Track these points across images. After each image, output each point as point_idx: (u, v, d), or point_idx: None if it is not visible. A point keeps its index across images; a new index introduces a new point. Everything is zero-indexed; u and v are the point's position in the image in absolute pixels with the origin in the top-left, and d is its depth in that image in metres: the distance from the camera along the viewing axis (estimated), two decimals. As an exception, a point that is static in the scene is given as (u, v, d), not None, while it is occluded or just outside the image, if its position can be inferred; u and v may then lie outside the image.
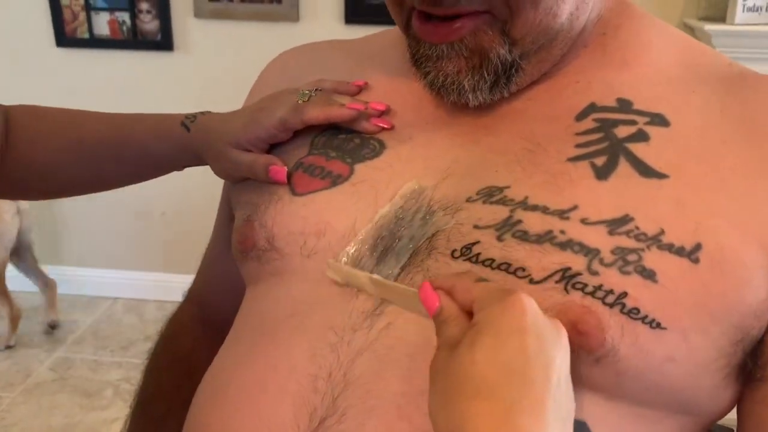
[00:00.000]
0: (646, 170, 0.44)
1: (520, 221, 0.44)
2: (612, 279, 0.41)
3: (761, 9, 1.66)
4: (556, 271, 0.41)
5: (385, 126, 0.53)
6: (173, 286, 2.23)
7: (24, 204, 1.98)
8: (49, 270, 2.30)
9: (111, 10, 1.98)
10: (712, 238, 0.42)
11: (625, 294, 0.40)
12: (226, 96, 2.03)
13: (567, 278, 0.41)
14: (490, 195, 0.46)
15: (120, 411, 1.76)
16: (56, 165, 0.62)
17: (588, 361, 0.40)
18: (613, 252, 0.41)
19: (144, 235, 2.24)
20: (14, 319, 2.02)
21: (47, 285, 2.12)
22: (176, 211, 2.19)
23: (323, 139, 0.54)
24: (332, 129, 0.54)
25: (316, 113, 0.53)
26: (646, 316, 0.40)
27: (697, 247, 0.41)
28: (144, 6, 1.97)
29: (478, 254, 0.44)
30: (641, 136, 0.46)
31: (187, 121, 0.59)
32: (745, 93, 0.47)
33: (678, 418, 0.45)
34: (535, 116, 0.49)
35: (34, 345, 2.03)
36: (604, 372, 0.41)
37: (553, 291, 0.41)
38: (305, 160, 0.53)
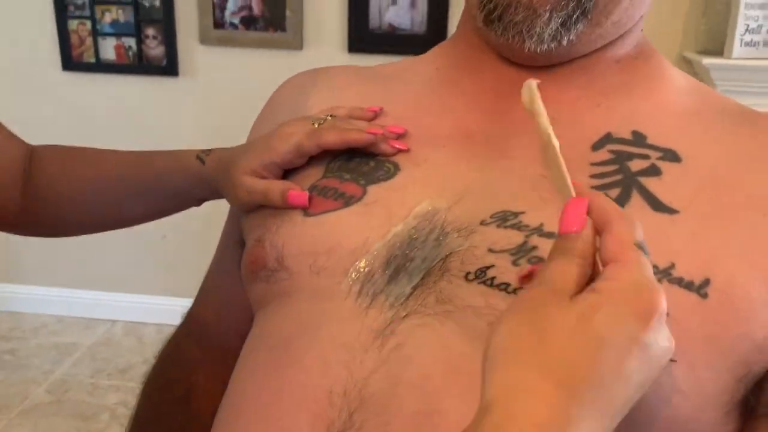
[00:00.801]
0: (657, 205, 0.45)
1: (535, 247, 0.44)
2: None
3: (759, 44, 1.68)
4: None
5: (403, 148, 0.53)
6: (173, 310, 2.23)
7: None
8: (48, 291, 2.31)
9: (118, 35, 2.01)
10: (721, 273, 0.42)
11: None
12: (230, 121, 2.06)
13: None
14: (505, 219, 0.46)
15: (116, 435, 1.75)
16: (79, 202, 0.64)
17: None
18: None
19: (144, 257, 2.24)
20: None
21: None
22: (177, 234, 2.20)
23: (338, 163, 0.54)
24: (347, 153, 0.55)
25: (333, 138, 0.53)
26: None
27: (706, 282, 0.42)
28: (150, 32, 2.00)
29: (493, 278, 0.44)
30: (654, 171, 0.47)
31: (202, 155, 0.61)
32: (754, 131, 0.49)
33: None
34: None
35: (32, 366, 2.02)
36: None
37: None
38: (319, 183, 0.53)
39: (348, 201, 0.51)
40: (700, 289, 0.42)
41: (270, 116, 0.63)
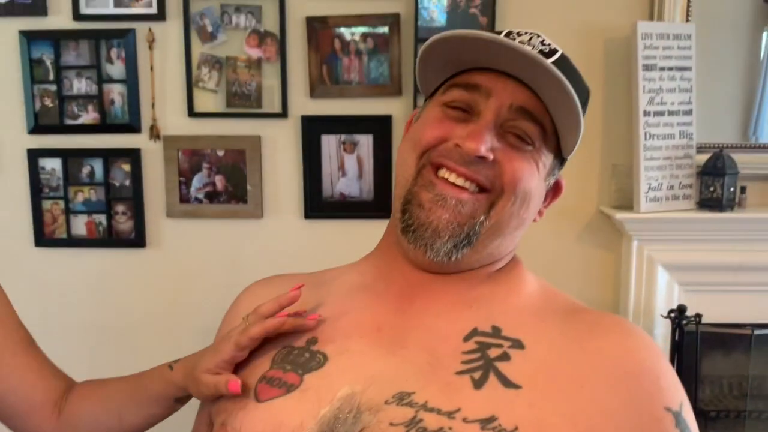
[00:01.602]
0: (507, 382, 0.62)
1: (422, 420, 0.60)
2: None
3: (661, 199, 1.94)
4: None
5: (315, 319, 0.70)
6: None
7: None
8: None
9: (89, 212, 2.18)
10: (553, 430, 0.58)
11: None
12: (196, 288, 2.21)
13: None
14: (401, 398, 0.62)
15: None
16: (94, 417, 0.82)
17: None
18: None
19: None
20: None
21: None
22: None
23: (281, 355, 0.70)
24: (287, 347, 0.70)
25: (257, 330, 0.69)
26: None
27: None
28: (120, 208, 2.17)
29: None
30: (505, 357, 0.64)
31: (173, 363, 0.79)
32: (576, 323, 0.67)
33: None
34: (437, 333, 0.67)
35: None
36: None
37: None
38: (267, 374, 0.69)
39: (289, 389, 0.66)
40: None
41: (234, 318, 0.80)
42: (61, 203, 2.17)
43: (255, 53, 2.06)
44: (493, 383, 0.62)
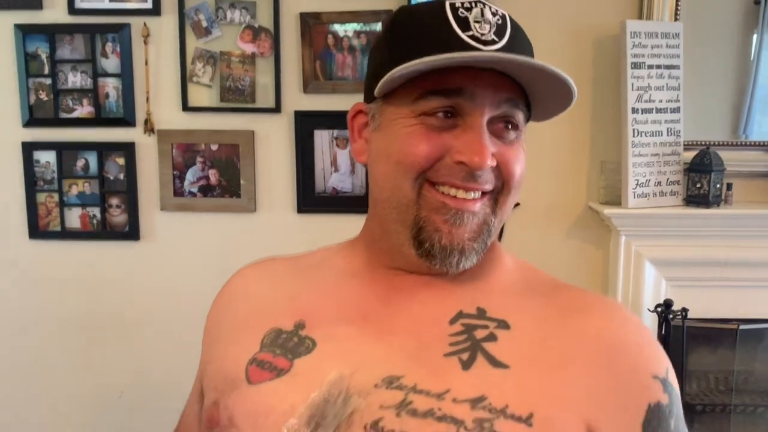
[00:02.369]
0: (495, 362, 0.63)
1: (411, 401, 0.61)
2: None
3: (648, 195, 1.97)
4: None
5: None
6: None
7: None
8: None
9: (83, 205, 2.19)
10: (541, 409, 0.60)
11: None
12: (189, 280, 2.22)
13: None
14: (391, 382, 0.63)
15: None
16: None
17: None
18: (473, 421, 0.59)
19: (101, 418, 2.27)
20: None
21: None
22: (134, 392, 2.26)
23: (270, 338, 0.72)
24: (275, 330, 0.72)
25: None
26: None
27: (531, 415, 0.60)
28: (114, 201, 2.19)
29: (383, 427, 0.61)
30: (492, 337, 0.66)
31: None
32: (559, 301, 0.69)
33: None
34: (423, 319, 0.68)
35: None
36: None
37: None
38: (258, 356, 0.70)
39: (279, 373, 0.68)
40: (527, 420, 0.60)
41: (228, 304, 0.81)
42: (56, 196, 2.18)
43: (249, 48, 2.08)
44: (481, 364, 0.63)
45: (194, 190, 2.16)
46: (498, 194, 0.68)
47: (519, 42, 0.66)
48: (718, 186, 1.97)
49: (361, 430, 0.61)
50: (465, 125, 0.65)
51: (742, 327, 2.07)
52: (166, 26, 2.10)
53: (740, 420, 2.15)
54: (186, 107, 2.12)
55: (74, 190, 2.18)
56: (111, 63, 2.12)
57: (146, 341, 2.24)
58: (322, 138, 2.10)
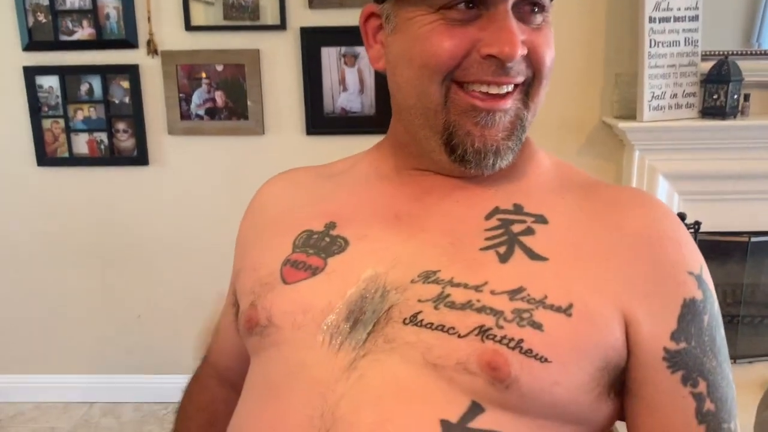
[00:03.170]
0: (533, 255, 0.63)
1: (449, 295, 0.61)
2: (513, 330, 0.58)
3: (664, 108, 1.93)
4: (475, 328, 0.59)
5: None
6: (150, 387, 2.32)
7: None
8: (22, 378, 2.36)
9: (90, 131, 2.17)
10: (580, 299, 0.60)
11: (522, 340, 0.58)
12: (199, 205, 2.23)
13: (483, 332, 0.59)
14: (427, 277, 0.63)
15: None
16: None
17: (500, 388, 0.57)
18: (512, 312, 0.59)
19: (120, 338, 2.33)
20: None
21: None
22: (151, 314, 2.30)
23: (301, 239, 0.71)
24: (307, 232, 0.72)
25: None
26: (537, 354, 0.58)
27: (570, 305, 0.60)
28: (121, 126, 2.16)
29: (422, 320, 0.61)
30: (529, 231, 0.65)
31: None
32: (595, 197, 0.68)
33: (571, 426, 0.61)
34: (457, 216, 0.68)
35: (12, 454, 2.07)
36: (512, 395, 0.57)
37: (474, 341, 0.58)
38: (291, 257, 0.70)
39: (314, 271, 0.68)
40: (566, 311, 0.59)
41: (258, 212, 0.80)
42: (61, 122, 2.16)
43: (251, -37, 2.00)
44: (519, 256, 0.63)
45: (201, 113, 2.13)
46: (529, 86, 0.66)
47: None
48: (735, 97, 1.92)
49: (400, 324, 0.61)
50: (489, 14, 0.62)
51: (753, 239, 2.08)
52: (163, -59, 2.02)
53: (747, 331, 2.19)
54: (189, 26, 2.06)
55: (80, 116, 2.16)
56: (109, -19, 2.04)
57: (160, 265, 2.26)
58: (329, 56, 2.05)
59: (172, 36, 2.08)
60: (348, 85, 2.08)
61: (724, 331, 0.65)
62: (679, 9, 1.90)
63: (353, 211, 0.71)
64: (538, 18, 0.64)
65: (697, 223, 1.94)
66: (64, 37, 2.09)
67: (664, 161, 1.97)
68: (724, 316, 0.66)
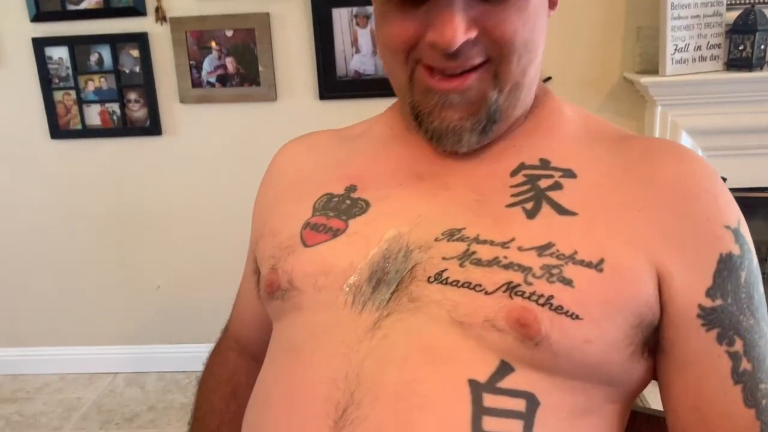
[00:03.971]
0: (561, 210, 0.60)
1: (475, 252, 0.59)
2: (542, 287, 0.56)
3: (687, 61, 1.87)
4: (503, 284, 0.56)
5: None
6: (172, 357, 2.34)
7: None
8: (48, 351, 2.39)
9: (101, 101, 2.15)
10: (612, 254, 0.57)
11: (552, 297, 0.55)
12: (213, 173, 2.21)
13: (511, 288, 0.56)
14: (452, 235, 0.61)
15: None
16: None
17: (530, 345, 0.55)
18: (541, 268, 0.56)
19: (141, 309, 2.34)
20: None
21: None
22: (171, 284, 2.31)
23: (321, 202, 0.69)
24: (327, 195, 0.69)
25: None
26: (568, 311, 0.55)
27: (601, 260, 0.57)
28: (132, 96, 2.14)
29: (447, 278, 0.58)
30: (557, 186, 0.62)
31: None
32: (626, 149, 0.64)
33: (603, 388, 0.59)
34: (481, 174, 0.65)
35: (40, 425, 2.09)
36: (543, 353, 0.55)
37: (502, 298, 0.56)
38: (311, 220, 0.68)
39: (335, 233, 0.65)
40: (597, 266, 0.57)
41: (276, 177, 0.78)
42: (73, 93, 2.14)
43: None
44: (547, 212, 0.60)
45: (212, 80, 2.09)
46: (497, 66, 0.60)
47: None
48: (762, 47, 1.85)
49: (425, 282, 0.59)
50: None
51: (779, 195, 2.03)
52: None
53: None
54: (197, -9, 2.02)
55: (91, 86, 2.13)
56: (114, -53, 2.00)
57: (176, 235, 2.26)
58: (341, 17, 2.00)
59: (181, 2, 2.04)
60: (361, 47, 2.03)
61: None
62: (703, -44, 1.82)
63: (373, 174, 0.69)
64: None
65: (722, 180, 1.89)
66: (71, 7, 2.06)
67: (687, 116, 1.92)
68: (749, 274, 0.62)
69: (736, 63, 1.88)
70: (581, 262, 0.57)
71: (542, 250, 0.57)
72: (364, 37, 2.02)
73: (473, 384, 0.55)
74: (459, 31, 0.57)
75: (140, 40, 2.07)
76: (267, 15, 2.03)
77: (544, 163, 0.64)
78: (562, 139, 0.66)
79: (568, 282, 0.56)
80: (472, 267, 0.58)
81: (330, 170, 0.72)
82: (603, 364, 0.57)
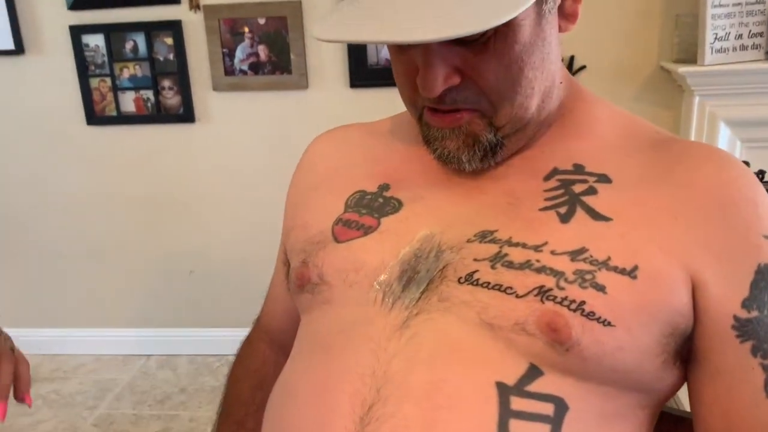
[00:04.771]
0: (596, 215, 0.59)
1: (507, 254, 0.58)
2: (574, 292, 0.55)
3: (728, 50, 1.82)
4: (535, 288, 0.56)
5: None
6: (204, 340, 2.38)
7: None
8: (84, 332, 2.44)
9: (136, 89, 2.18)
10: (646, 261, 0.56)
11: (584, 302, 0.55)
12: (245, 161, 2.23)
13: (542, 293, 0.56)
14: (484, 236, 0.60)
15: (162, 460, 1.87)
16: None
17: (560, 351, 0.55)
18: (574, 273, 0.56)
19: (174, 293, 2.38)
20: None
21: None
22: (203, 269, 2.34)
23: (354, 199, 0.69)
24: (359, 192, 0.70)
25: None
26: (600, 317, 0.55)
27: (635, 267, 0.56)
28: (166, 83, 2.16)
29: (478, 279, 0.58)
30: (592, 191, 0.61)
31: None
32: (664, 153, 0.63)
33: (634, 395, 0.58)
34: (513, 177, 0.64)
35: (76, 404, 2.15)
36: (573, 359, 0.55)
37: (533, 302, 0.56)
38: (343, 217, 0.68)
39: (367, 230, 0.66)
40: (631, 273, 0.56)
41: (307, 170, 0.79)
42: (108, 80, 2.17)
43: None
44: (581, 217, 0.59)
45: (245, 68, 2.11)
46: (491, 114, 0.60)
47: None
48: (806, 36, 1.80)
49: (455, 283, 0.59)
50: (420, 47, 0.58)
51: (821, 188, 1.97)
52: None
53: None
54: (230, -21, 2.02)
55: (126, 74, 2.16)
56: (149, -65, 2.02)
57: (209, 221, 2.29)
58: (373, 5, 1.99)
59: (214, -11, 2.05)
60: (392, 35, 2.02)
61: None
62: (746, -58, 1.77)
63: (406, 173, 0.69)
64: (489, 30, 0.55)
65: (761, 172, 1.84)
66: (107, -5, 2.08)
67: (726, 107, 1.87)
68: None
69: (778, 52, 1.82)
70: (615, 269, 0.56)
71: (575, 254, 0.57)
72: (396, 25, 2.01)
73: (501, 386, 0.55)
74: (438, 80, 0.57)
75: (174, 27, 2.09)
76: (299, 3, 2.03)
77: (579, 168, 0.63)
78: (596, 143, 0.65)
79: (600, 288, 0.55)
80: (504, 269, 0.58)
81: (363, 167, 0.72)
82: (634, 372, 0.57)
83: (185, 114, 2.17)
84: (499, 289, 0.57)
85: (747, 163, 1.93)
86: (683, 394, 0.64)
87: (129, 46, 2.13)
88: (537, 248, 0.58)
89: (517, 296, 0.56)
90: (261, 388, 0.79)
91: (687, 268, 0.57)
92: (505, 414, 0.54)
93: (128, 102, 2.19)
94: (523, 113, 0.61)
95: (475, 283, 0.58)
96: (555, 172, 0.64)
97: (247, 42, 2.08)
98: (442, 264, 0.60)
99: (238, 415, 0.80)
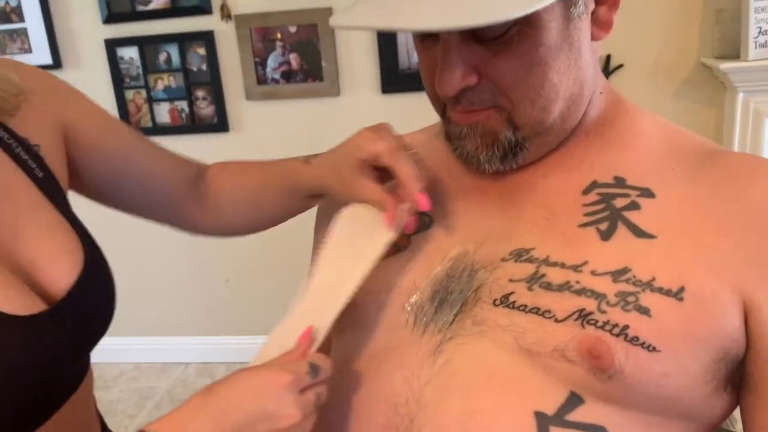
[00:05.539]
0: (639, 232, 0.56)
1: (544, 275, 0.56)
2: (617, 315, 0.52)
3: (773, 44, 1.75)
4: (575, 312, 0.53)
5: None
6: (241, 348, 2.39)
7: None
8: (123, 341, 2.48)
9: (171, 100, 2.20)
10: (693, 281, 0.53)
11: (627, 326, 0.52)
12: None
13: (583, 317, 0.53)
14: (520, 255, 0.58)
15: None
16: (234, 205, 0.82)
17: (603, 378, 0.52)
18: (616, 295, 0.53)
19: (211, 301, 2.40)
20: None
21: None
22: (239, 278, 2.35)
23: None
24: None
25: (408, 170, 0.60)
26: (644, 342, 0.52)
27: (682, 288, 0.53)
28: (200, 93, 2.18)
29: (514, 302, 0.56)
30: (634, 206, 0.57)
31: (309, 157, 0.76)
32: (712, 167, 0.59)
33: (682, 423, 0.55)
34: (550, 190, 0.61)
35: (117, 412, 2.18)
36: (616, 386, 0.52)
37: (573, 327, 0.53)
38: None
39: (397, 249, 0.64)
40: (677, 294, 0.53)
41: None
42: (143, 92, 2.20)
43: None
44: (623, 234, 0.56)
45: (276, 76, 2.11)
46: (510, 113, 0.57)
47: None
48: None
49: (490, 305, 0.57)
50: (442, 40, 0.56)
51: None
52: None
53: None
54: (260, -12, 2.03)
55: (160, 85, 2.19)
56: (180, -53, 2.03)
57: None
58: (403, 9, 1.97)
59: (245, -1, 2.06)
60: (424, 39, 2.00)
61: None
62: (790, -69, 1.70)
63: (436, 187, 0.67)
64: (512, 30, 0.53)
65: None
66: (140, 7, 2.11)
67: (772, 104, 1.80)
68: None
69: (827, 45, 1.75)
70: (660, 290, 0.53)
71: (618, 275, 0.54)
72: (427, 28, 1.99)
73: (540, 416, 0.52)
74: (455, 77, 0.55)
75: (206, 38, 2.11)
76: (330, 9, 2.02)
77: (620, 181, 0.60)
78: (638, 154, 0.62)
79: (645, 311, 0.52)
80: (542, 291, 0.55)
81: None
82: (682, 399, 0.54)
83: (219, 123, 2.19)
84: (536, 313, 0.54)
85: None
86: (738, 412, 0.61)
87: (162, 57, 2.15)
88: (576, 268, 0.55)
89: (557, 320, 0.54)
90: None
91: (738, 289, 0.53)
92: None
93: (163, 113, 2.22)
94: (544, 117, 0.58)
95: (511, 305, 0.56)
96: (594, 185, 0.60)
97: (278, 50, 2.08)
98: (476, 284, 0.58)
99: None
